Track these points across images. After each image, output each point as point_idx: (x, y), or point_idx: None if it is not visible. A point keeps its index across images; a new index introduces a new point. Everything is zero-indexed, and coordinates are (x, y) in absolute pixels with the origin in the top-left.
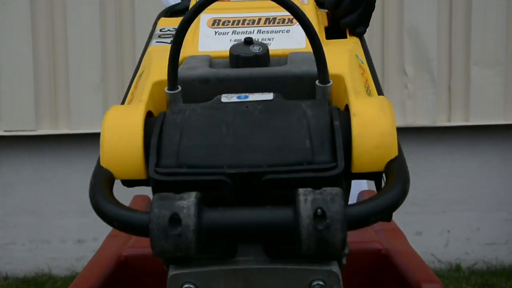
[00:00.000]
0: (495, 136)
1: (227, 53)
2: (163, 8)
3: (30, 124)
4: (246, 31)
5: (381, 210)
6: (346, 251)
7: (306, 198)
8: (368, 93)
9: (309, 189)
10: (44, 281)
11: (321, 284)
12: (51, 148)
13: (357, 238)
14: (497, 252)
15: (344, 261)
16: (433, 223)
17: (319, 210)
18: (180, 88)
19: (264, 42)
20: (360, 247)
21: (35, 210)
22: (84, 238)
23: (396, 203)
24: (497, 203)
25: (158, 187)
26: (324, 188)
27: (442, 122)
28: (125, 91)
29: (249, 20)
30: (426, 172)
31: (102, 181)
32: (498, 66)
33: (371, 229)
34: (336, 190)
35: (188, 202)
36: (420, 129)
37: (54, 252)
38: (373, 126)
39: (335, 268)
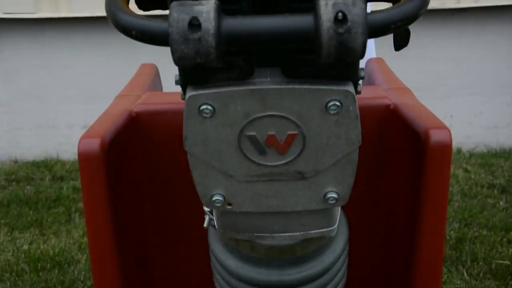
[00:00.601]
0: (504, 18)
1: None
2: None
3: (29, 6)
4: None
5: (402, 18)
6: (362, 74)
7: (327, 2)
8: None
9: None
10: (53, 164)
11: (337, 105)
12: (53, 32)
13: (366, 95)
14: (498, 135)
15: (359, 88)
16: (437, 108)
17: (340, 14)
18: None
19: None
20: (369, 102)
21: (40, 96)
22: (90, 124)
23: (416, 13)
24: (501, 87)
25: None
26: None
27: (451, 4)
28: None
29: None
30: (432, 56)
31: None
32: None
33: (381, 88)
34: None
35: (207, 7)
36: (427, 11)
37: (61, 137)
38: None
39: (351, 88)
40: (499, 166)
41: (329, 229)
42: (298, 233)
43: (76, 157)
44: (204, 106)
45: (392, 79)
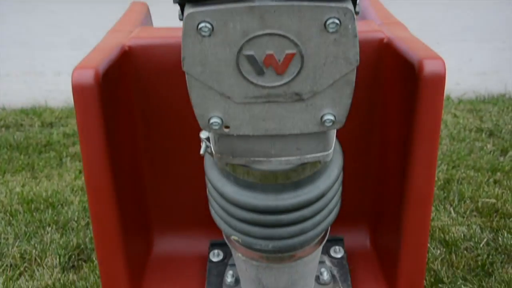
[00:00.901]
0: None
1: None
2: None
3: None
4: None
5: None
6: None
7: None
8: None
9: None
10: (41, 111)
11: (336, 23)
12: None
13: (360, 29)
14: (486, 81)
15: (357, 8)
16: None
17: None
18: None
19: None
20: (363, 36)
21: (27, 42)
22: None
23: None
24: (491, 33)
25: None
26: None
27: None
28: None
29: None
30: (422, 1)
31: None
32: None
33: (374, 22)
34: None
35: None
36: None
37: (49, 84)
38: None
39: (350, 6)
40: (487, 111)
41: (325, 153)
42: (294, 157)
43: (65, 104)
44: (202, 24)
45: (385, 14)
